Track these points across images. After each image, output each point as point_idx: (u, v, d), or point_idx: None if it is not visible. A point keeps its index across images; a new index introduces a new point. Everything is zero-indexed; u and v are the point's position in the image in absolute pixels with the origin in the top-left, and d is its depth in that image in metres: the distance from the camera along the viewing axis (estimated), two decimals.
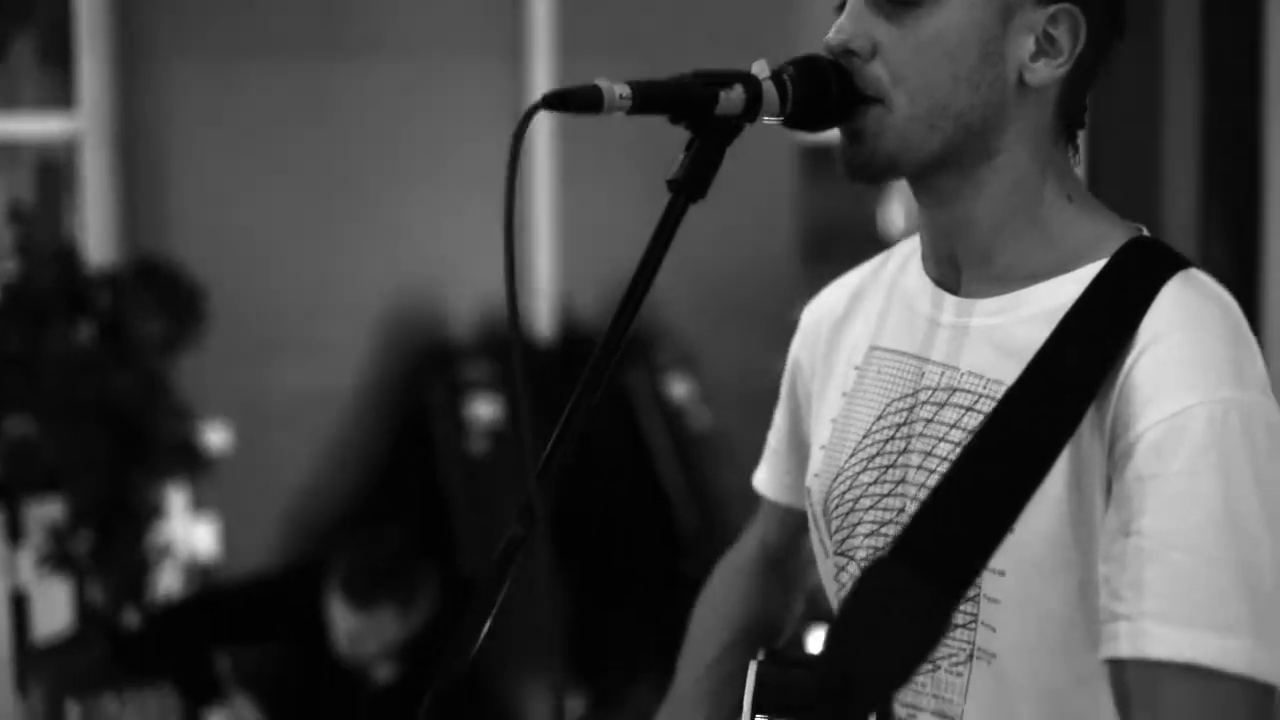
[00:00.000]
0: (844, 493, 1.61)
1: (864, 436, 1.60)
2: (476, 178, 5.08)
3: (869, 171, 1.51)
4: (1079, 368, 1.40)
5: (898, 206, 6.42)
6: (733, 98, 1.43)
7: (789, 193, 5.68)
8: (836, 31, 1.51)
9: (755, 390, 5.61)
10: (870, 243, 6.18)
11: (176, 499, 4.52)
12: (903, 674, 1.30)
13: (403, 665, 4.01)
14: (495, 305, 5.28)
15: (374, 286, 5.04)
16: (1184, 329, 1.39)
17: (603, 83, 1.37)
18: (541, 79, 5.19)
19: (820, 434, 1.69)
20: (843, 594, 1.60)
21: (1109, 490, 1.38)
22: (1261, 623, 1.31)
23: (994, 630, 1.36)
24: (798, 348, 1.82)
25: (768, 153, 5.36)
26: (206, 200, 4.75)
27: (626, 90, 1.38)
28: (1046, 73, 1.50)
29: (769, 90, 1.45)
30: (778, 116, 1.47)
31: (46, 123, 4.70)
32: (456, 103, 5.12)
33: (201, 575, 4.58)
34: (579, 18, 5.26)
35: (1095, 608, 1.40)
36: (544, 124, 5.24)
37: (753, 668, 1.60)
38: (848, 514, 1.60)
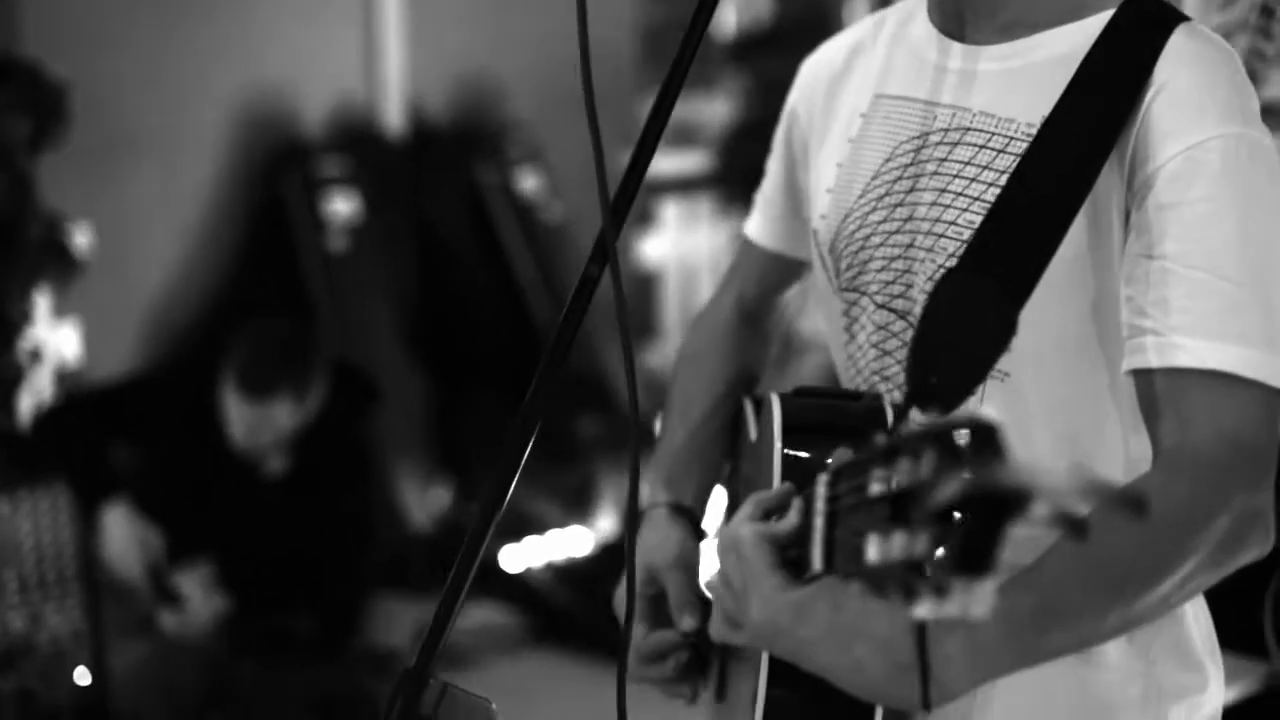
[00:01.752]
0: (854, 232, 1.67)
1: (872, 178, 1.66)
2: None
3: None
4: (1102, 106, 1.49)
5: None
6: None
7: None
8: None
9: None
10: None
11: (41, 303, 4.44)
12: (980, 374, 1.40)
13: (295, 457, 4.03)
14: (348, 101, 5.23)
15: (228, 84, 4.96)
16: (1194, 72, 1.49)
17: None
18: None
19: (824, 178, 1.75)
20: (853, 329, 1.68)
21: (1127, 219, 1.48)
22: (1275, 333, 1.43)
23: (1011, 351, 1.46)
24: (795, 100, 1.88)
25: None
26: (56, 2, 4.61)
27: None
28: None
29: None
30: None
31: None
32: None
33: (67, 379, 4.51)
34: None
35: (1107, 328, 1.52)
36: None
37: (776, 400, 1.64)
38: (858, 251, 1.67)
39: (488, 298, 5.52)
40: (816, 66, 1.86)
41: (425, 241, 5.40)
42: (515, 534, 5.06)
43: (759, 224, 1.97)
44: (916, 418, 1.14)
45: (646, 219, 6.31)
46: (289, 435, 3.97)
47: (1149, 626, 1.46)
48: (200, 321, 4.90)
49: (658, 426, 1.96)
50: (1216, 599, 1.65)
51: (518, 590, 5.04)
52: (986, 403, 1.55)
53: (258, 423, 3.91)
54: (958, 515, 0.91)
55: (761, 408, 1.73)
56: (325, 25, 5.11)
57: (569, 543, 5.19)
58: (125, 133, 4.71)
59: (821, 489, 1.19)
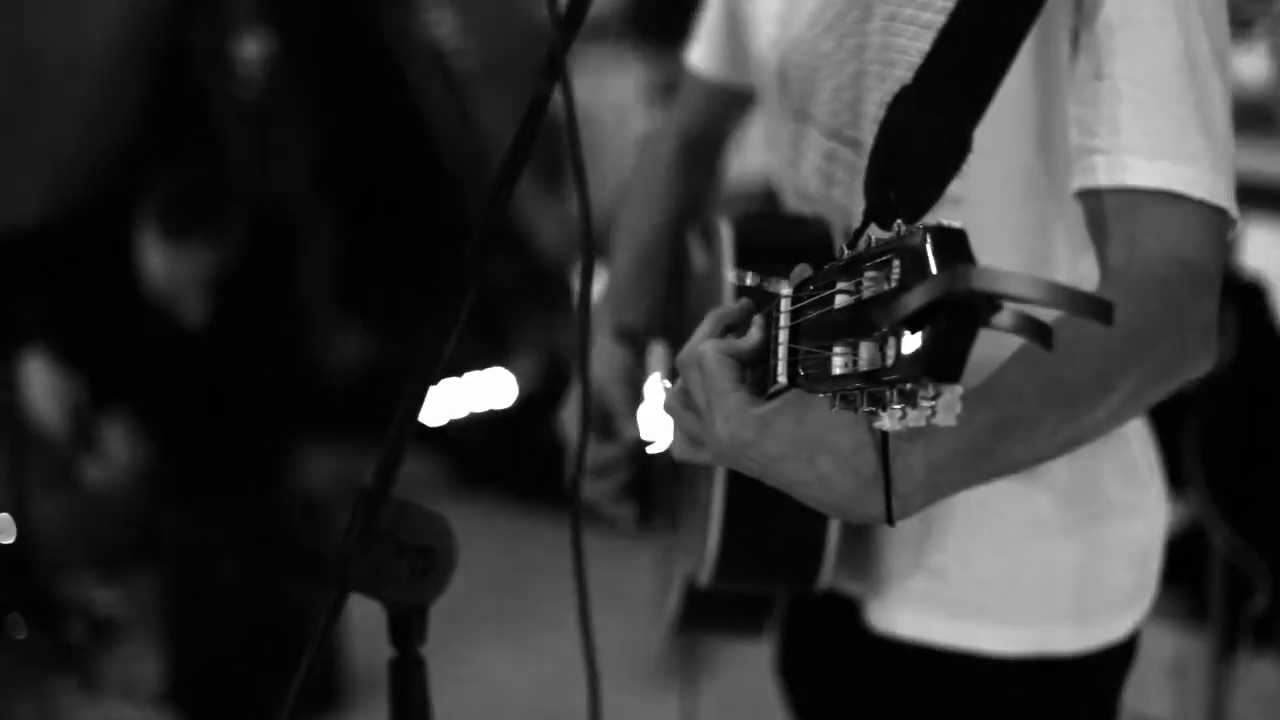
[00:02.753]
0: (802, 60, 1.66)
1: (823, 7, 1.63)
2: None
3: None
4: None
5: None
6: None
7: None
8: None
9: (515, 29, 5.61)
10: None
11: None
12: (936, 191, 1.40)
13: (215, 303, 4.00)
14: None
15: None
16: None
17: None
18: None
19: (770, 5, 1.73)
20: (798, 159, 1.69)
21: (1075, 40, 1.48)
22: (1216, 155, 1.44)
23: (964, 177, 1.47)
24: None
25: None
26: None
27: None
28: None
29: None
30: None
31: None
32: None
33: None
34: None
35: (1055, 154, 1.53)
36: None
37: (726, 223, 1.66)
38: (804, 79, 1.66)
39: (398, 142, 5.46)
40: None
41: (339, 85, 5.33)
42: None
43: (704, 54, 1.96)
44: (877, 232, 1.13)
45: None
46: (209, 279, 3.94)
47: (1096, 444, 1.48)
48: (113, 168, 4.82)
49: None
50: None
51: (440, 438, 5.04)
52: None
53: (178, 265, 3.88)
54: (925, 323, 0.91)
55: (710, 236, 1.74)
56: None
57: (489, 387, 5.18)
58: None
59: (784, 303, 1.18)
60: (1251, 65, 4.05)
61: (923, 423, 0.95)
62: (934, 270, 0.91)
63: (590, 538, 1.46)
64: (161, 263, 3.87)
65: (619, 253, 2.00)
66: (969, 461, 1.28)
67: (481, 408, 5.13)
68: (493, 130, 5.35)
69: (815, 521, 1.51)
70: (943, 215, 1.48)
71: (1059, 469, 1.60)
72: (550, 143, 6.09)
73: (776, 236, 1.69)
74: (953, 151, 1.39)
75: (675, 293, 1.96)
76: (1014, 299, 0.87)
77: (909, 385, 0.94)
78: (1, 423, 3.83)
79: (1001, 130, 1.51)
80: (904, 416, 0.96)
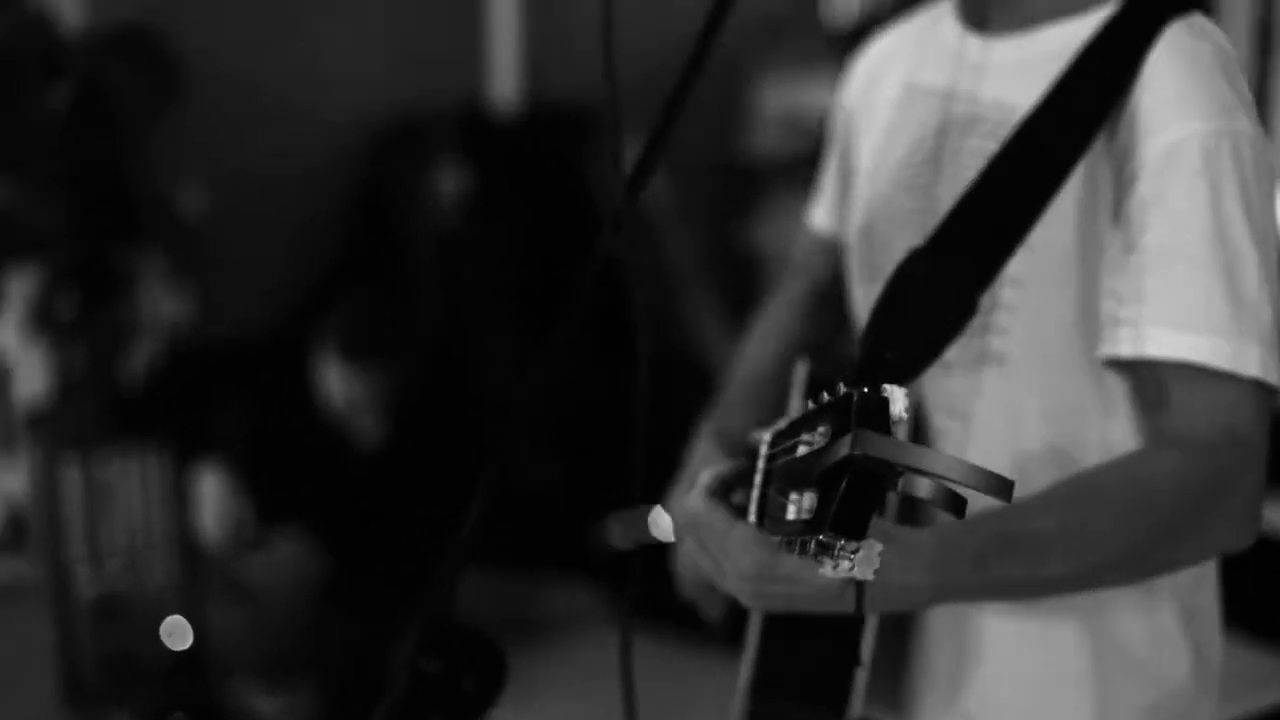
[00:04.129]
0: (883, 218, 1.74)
1: (902, 166, 1.73)
2: None
3: None
4: (1089, 97, 1.54)
5: None
6: None
7: None
8: None
9: (711, 174, 5.70)
10: (814, 30, 6.22)
11: (152, 265, 4.55)
12: (931, 354, 1.44)
13: (390, 428, 4.11)
14: (459, 75, 5.29)
15: (340, 54, 5.04)
16: (1182, 68, 1.53)
17: None
18: None
19: (864, 166, 1.84)
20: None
21: (1116, 211, 1.53)
22: (1245, 325, 1.47)
23: (1006, 335, 1.49)
24: (846, 93, 1.98)
25: None
26: None
27: None
28: None
29: None
30: None
31: None
32: None
33: (180, 341, 4.63)
34: None
35: (1093, 317, 1.57)
36: None
37: (802, 363, 1.76)
38: (885, 237, 1.73)
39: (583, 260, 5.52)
40: (864, 62, 1.97)
41: (534, 223, 5.45)
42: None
43: (822, 213, 2.06)
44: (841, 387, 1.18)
45: (753, 203, 6.32)
46: (386, 402, 4.05)
47: (1123, 599, 1.49)
48: (309, 289, 4.99)
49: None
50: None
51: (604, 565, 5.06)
52: (983, 385, 1.59)
53: (355, 386, 4.00)
54: (837, 481, 0.94)
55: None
56: (442, 2, 5.18)
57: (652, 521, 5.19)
58: (241, 99, 4.80)
59: (764, 449, 1.23)
60: None
61: (845, 574, 0.99)
62: (851, 433, 0.94)
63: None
64: (339, 383, 4.00)
65: (733, 378, 2.07)
66: (971, 568, 1.31)
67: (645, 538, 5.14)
68: (681, 268, 5.42)
69: (846, 649, 1.56)
70: (986, 373, 1.54)
71: (1082, 618, 1.63)
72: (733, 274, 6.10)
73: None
74: (956, 317, 1.43)
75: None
76: (911, 469, 0.90)
77: (823, 538, 0.98)
78: (177, 531, 3.97)
79: (1050, 291, 1.55)
80: (836, 567, 1.00)
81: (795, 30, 6.20)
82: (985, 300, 1.56)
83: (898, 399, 0.97)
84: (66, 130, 4.12)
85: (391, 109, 5.12)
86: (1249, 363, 1.45)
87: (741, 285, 5.67)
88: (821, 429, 1.02)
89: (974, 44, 1.71)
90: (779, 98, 6.08)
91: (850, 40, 6.84)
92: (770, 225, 6.47)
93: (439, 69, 5.22)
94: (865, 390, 0.96)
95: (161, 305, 4.55)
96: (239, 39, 4.80)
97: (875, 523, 0.99)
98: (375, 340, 4.00)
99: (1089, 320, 1.57)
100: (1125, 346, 1.49)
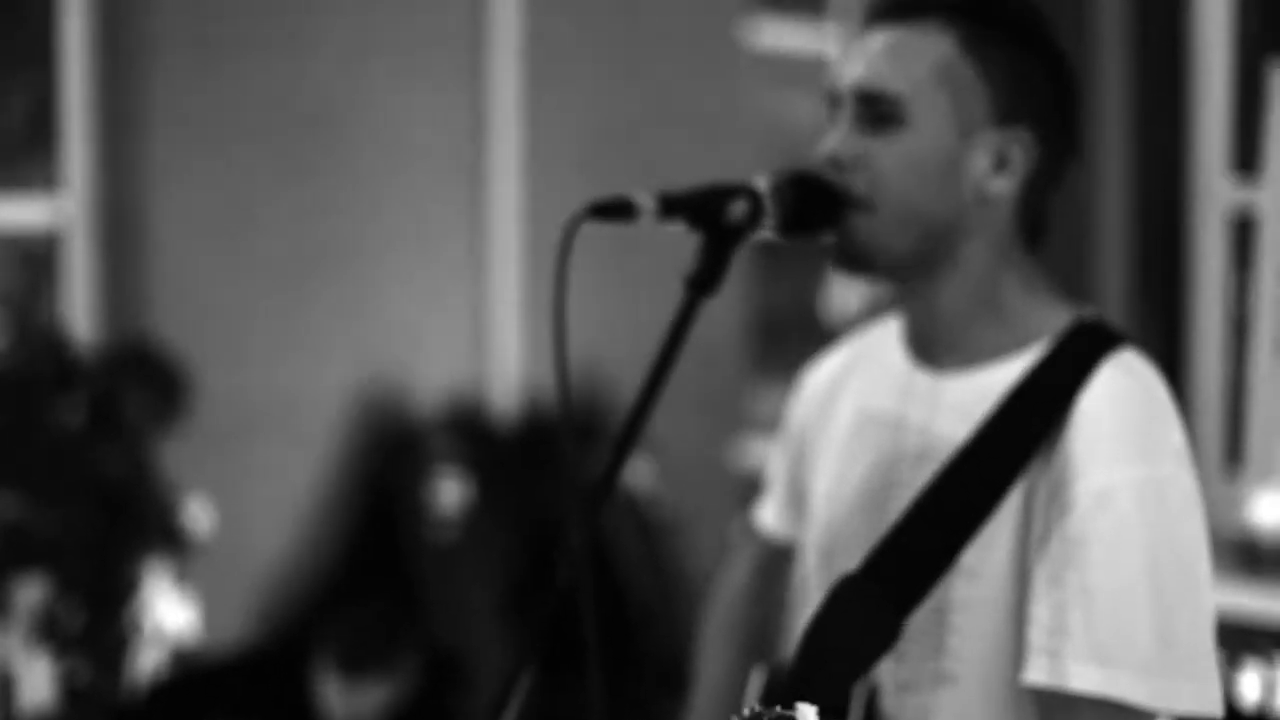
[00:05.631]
0: (844, 539, 1.84)
1: (858, 492, 1.84)
2: (440, 257, 5.25)
3: (856, 266, 1.80)
4: (1022, 432, 1.65)
5: (838, 294, 6.62)
6: (739, 208, 1.68)
7: (736, 282, 5.85)
8: (827, 144, 1.79)
9: (711, 477, 5.77)
10: (812, 329, 6.37)
11: (157, 577, 4.59)
12: (854, 674, 1.52)
13: None
14: (461, 386, 5.40)
15: (344, 368, 5.14)
16: (1111, 408, 1.64)
17: (635, 195, 1.64)
18: (504, 162, 5.36)
19: (822, 486, 1.94)
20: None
21: (1042, 544, 1.62)
22: (1174, 664, 1.54)
23: (958, 657, 1.57)
24: (796, 409, 2.10)
25: None
26: (184, 282, 4.84)
27: (652, 202, 1.65)
28: (1002, 185, 1.78)
29: (768, 203, 1.71)
30: (775, 225, 1.73)
31: (29, 206, 4.77)
32: (417, 192, 5.27)
33: (183, 654, 4.64)
34: (540, 92, 5.44)
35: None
36: (510, 213, 5.40)
37: (758, 673, 1.85)
38: (845, 555, 1.80)
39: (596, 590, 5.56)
40: (816, 378, 2.10)
41: (533, 534, 5.50)
42: None
43: (770, 515, 2.17)
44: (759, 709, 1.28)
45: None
46: (383, 715, 4.06)
47: None
48: (310, 602, 5.02)
49: None
50: None
51: None
52: (940, 703, 1.67)
53: (355, 702, 4.01)
54: None
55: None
56: (440, 312, 5.31)
57: None
58: (246, 412, 4.90)
59: None
60: None
61: None
62: None
63: None
64: (337, 698, 4.01)
65: (695, 688, 2.19)
66: None
67: None
68: (684, 578, 5.46)
69: None
70: (940, 692, 1.62)
71: None
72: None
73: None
74: (880, 639, 1.52)
75: None
76: None
77: None
78: None
79: (992, 614, 1.65)
80: None
81: (794, 329, 6.34)
82: (937, 625, 1.66)
83: (809, 718, 1.05)
84: (79, 445, 4.20)
85: (392, 420, 5.21)
86: (1179, 698, 1.52)
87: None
88: None
89: (923, 379, 1.82)
90: (776, 401, 6.19)
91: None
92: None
93: (439, 379, 5.33)
94: (778, 711, 1.04)
95: (165, 617, 4.58)
96: (245, 355, 4.92)
97: None
98: (374, 654, 4.03)
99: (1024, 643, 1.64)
100: (1045, 676, 1.57)
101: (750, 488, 5.99)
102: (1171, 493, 1.59)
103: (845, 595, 1.61)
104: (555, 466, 5.54)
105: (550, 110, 5.47)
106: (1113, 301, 3.98)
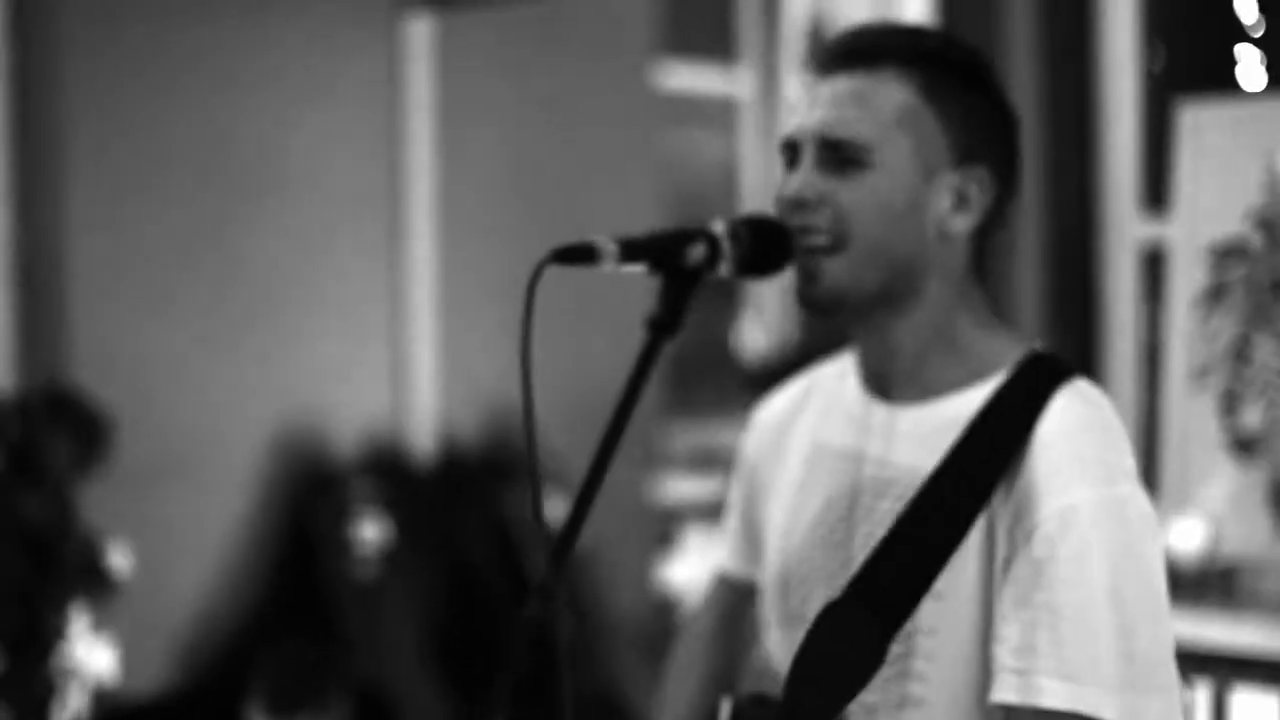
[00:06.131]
0: (799, 571, 1.89)
1: (816, 525, 1.89)
2: (358, 302, 5.29)
3: (826, 307, 1.84)
4: (985, 460, 1.71)
5: (750, 332, 6.70)
6: (697, 252, 1.72)
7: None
8: (788, 185, 1.83)
9: (627, 513, 5.83)
10: (725, 367, 6.44)
11: (78, 622, 4.59)
12: (846, 697, 1.58)
13: None
14: (378, 428, 5.43)
15: (263, 411, 5.16)
16: (1068, 435, 1.70)
17: (597, 240, 1.67)
18: (420, 210, 5.41)
19: (776, 520, 1.99)
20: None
21: (1007, 565, 1.67)
22: (1134, 678, 1.60)
23: (925, 681, 1.63)
24: (749, 444, 2.14)
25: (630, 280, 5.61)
26: (103, 327, 4.84)
27: (614, 246, 1.68)
28: (961, 223, 1.84)
29: (725, 246, 1.75)
30: (731, 266, 1.76)
31: None
32: (336, 240, 5.31)
33: (104, 698, 4.64)
34: (453, 142, 5.50)
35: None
36: (425, 259, 5.44)
37: (725, 702, 1.89)
38: (802, 587, 1.88)
39: (508, 621, 5.62)
40: (768, 415, 2.14)
41: (454, 570, 5.53)
42: None
43: (729, 556, 2.23)
44: None
45: (668, 543, 6.45)
46: None
47: None
48: (232, 643, 5.03)
49: None
50: None
51: None
52: None
53: None
54: None
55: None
56: (358, 355, 5.34)
57: None
58: (165, 456, 4.90)
59: None
60: None
61: None
62: None
63: None
64: None
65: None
66: None
67: None
68: (601, 607, 5.52)
69: None
70: (906, 714, 1.67)
71: None
72: (662, 622, 6.18)
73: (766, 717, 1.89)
74: (867, 662, 1.58)
75: None
76: None
77: None
78: None
79: (959, 637, 1.69)
80: None
81: (707, 367, 6.40)
82: (903, 648, 1.70)
83: None
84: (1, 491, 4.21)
85: (311, 461, 5.23)
86: (1148, 713, 1.59)
87: (658, 625, 5.75)
88: None
89: (879, 411, 1.87)
90: (690, 438, 6.26)
91: (762, 381, 7.09)
92: (684, 566, 6.61)
93: (358, 420, 5.35)
94: None
95: (86, 661, 4.58)
96: (164, 399, 4.93)
97: None
98: (307, 693, 4.05)
99: (991, 664, 1.70)
100: (1015, 695, 1.62)
101: (666, 521, 6.06)
102: (1131, 511, 1.66)
103: (832, 621, 1.66)
104: (472, 505, 5.58)
105: (463, 158, 5.53)
106: (1027, 333, 4.08)
